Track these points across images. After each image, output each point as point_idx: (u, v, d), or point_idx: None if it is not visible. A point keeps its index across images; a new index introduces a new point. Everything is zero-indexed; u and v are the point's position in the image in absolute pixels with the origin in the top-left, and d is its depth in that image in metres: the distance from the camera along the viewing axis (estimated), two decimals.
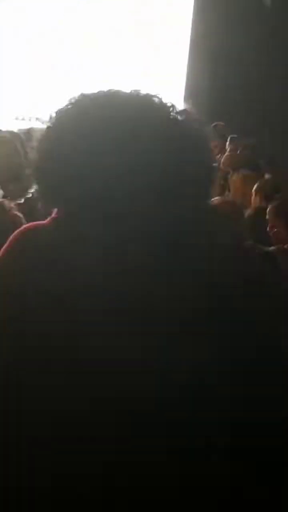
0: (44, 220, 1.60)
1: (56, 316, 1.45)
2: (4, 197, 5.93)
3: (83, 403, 1.42)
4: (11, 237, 1.56)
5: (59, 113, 1.59)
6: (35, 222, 1.60)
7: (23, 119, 12.36)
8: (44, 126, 1.60)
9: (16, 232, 1.58)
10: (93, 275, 1.47)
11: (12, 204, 3.97)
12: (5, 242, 1.57)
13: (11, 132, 7.74)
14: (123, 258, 1.49)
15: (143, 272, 1.49)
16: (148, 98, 1.58)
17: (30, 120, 11.48)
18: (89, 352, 1.43)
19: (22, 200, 5.50)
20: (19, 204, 5.27)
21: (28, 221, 1.80)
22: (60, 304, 1.46)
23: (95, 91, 1.60)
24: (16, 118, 12.55)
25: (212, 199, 2.44)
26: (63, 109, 1.59)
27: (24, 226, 1.60)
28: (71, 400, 1.42)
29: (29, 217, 1.65)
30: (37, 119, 11.38)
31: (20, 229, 1.59)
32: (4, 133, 7.53)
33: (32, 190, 5.31)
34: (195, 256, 1.51)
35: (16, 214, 2.57)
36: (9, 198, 5.76)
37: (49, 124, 1.59)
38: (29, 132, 7.76)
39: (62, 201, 1.55)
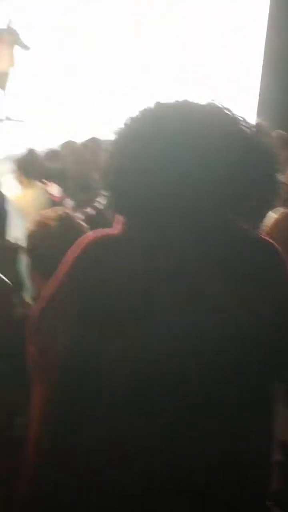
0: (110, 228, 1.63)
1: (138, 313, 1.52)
2: (74, 206, 6.00)
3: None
4: (79, 243, 1.59)
5: (130, 122, 1.60)
6: (103, 229, 1.62)
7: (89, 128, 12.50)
8: (111, 135, 1.62)
9: (84, 238, 1.61)
10: (170, 278, 1.52)
11: (81, 213, 4.01)
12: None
13: (81, 143, 7.84)
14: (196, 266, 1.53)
15: (215, 275, 1.54)
16: (220, 110, 1.59)
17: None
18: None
19: (93, 211, 5.55)
20: (88, 213, 5.32)
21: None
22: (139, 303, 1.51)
23: (167, 101, 1.61)
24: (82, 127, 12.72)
25: (277, 210, 2.45)
26: (134, 119, 1.60)
27: (93, 232, 1.63)
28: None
29: (98, 226, 1.67)
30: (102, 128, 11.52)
31: (88, 235, 1.61)
32: (74, 143, 7.62)
33: (101, 199, 5.35)
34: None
35: (80, 223, 2.59)
36: (79, 207, 5.84)
37: (118, 133, 1.60)
38: (94, 141, 7.82)
39: (133, 208, 1.57)
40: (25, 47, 11.89)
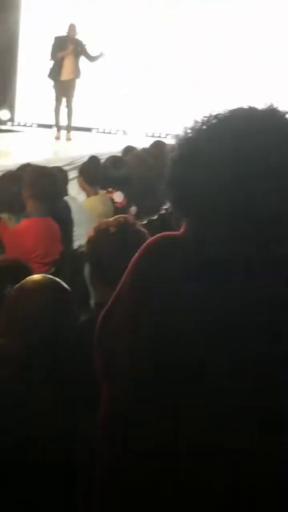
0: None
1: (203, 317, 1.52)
2: (138, 213, 6.03)
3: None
4: (145, 246, 1.59)
5: (197, 128, 1.59)
6: (168, 232, 1.62)
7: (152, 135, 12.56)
8: (175, 141, 1.61)
9: (149, 241, 1.60)
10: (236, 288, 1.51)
11: (144, 220, 4.03)
12: (130, 256, 1.61)
13: (144, 149, 7.88)
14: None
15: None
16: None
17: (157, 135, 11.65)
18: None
19: (156, 216, 5.57)
20: (153, 219, 5.34)
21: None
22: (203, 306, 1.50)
23: (229, 108, 1.58)
24: (146, 135, 12.80)
25: None
26: (199, 125, 1.60)
27: (159, 235, 1.62)
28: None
29: (160, 232, 1.68)
30: (167, 135, 11.56)
31: (154, 238, 1.61)
32: (137, 150, 7.67)
33: (166, 206, 5.36)
34: None
35: (140, 229, 2.61)
36: (143, 213, 5.86)
37: (184, 139, 1.58)
38: (157, 146, 7.84)
39: (201, 214, 1.55)
40: (91, 58, 11.97)
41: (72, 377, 2.21)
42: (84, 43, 11.99)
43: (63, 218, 4.88)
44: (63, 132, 12.15)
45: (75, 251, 4.57)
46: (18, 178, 4.82)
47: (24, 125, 14.24)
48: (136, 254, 1.60)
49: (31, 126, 14.16)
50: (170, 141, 8.36)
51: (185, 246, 1.56)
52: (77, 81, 11.96)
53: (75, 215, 5.16)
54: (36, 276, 2.41)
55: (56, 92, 11.94)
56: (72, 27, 11.97)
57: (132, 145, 8.28)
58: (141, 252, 1.60)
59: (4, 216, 4.56)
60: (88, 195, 5.77)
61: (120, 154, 7.56)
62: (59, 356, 2.21)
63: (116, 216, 2.79)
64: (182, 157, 1.56)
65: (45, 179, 4.49)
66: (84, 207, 5.46)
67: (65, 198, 5.31)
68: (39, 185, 4.41)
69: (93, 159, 6.39)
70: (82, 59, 11.93)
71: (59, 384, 2.17)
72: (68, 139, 11.99)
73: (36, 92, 13.38)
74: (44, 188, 4.42)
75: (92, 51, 12.03)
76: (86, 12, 13.47)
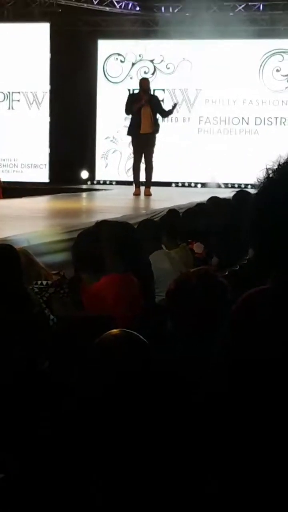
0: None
1: None
2: (219, 264, 5.95)
3: None
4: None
5: (277, 175, 1.56)
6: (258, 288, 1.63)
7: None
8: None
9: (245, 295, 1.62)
10: None
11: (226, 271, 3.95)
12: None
13: (225, 199, 7.83)
14: None
15: None
16: None
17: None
18: None
19: (237, 267, 5.48)
20: (234, 270, 5.25)
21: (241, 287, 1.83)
22: None
23: None
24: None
25: None
26: (280, 172, 1.56)
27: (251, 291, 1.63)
28: None
29: (241, 282, 1.65)
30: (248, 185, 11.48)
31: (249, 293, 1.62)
32: (218, 199, 7.63)
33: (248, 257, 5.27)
34: None
35: (220, 279, 2.56)
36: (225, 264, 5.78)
37: (265, 187, 1.58)
38: (239, 195, 7.77)
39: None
40: (164, 113, 12.03)
41: None
42: (159, 98, 12.09)
43: (144, 273, 4.82)
44: (142, 188, 12.14)
45: (158, 305, 4.51)
46: (95, 235, 4.80)
47: (104, 183, 14.46)
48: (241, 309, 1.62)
49: (111, 183, 14.36)
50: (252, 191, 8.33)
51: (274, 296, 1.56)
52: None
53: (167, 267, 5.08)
54: (115, 331, 2.40)
55: (134, 147, 11.89)
56: (144, 81, 12.09)
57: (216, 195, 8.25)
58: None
59: (84, 276, 4.54)
60: (169, 248, 5.72)
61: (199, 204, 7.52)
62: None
63: (197, 268, 2.74)
64: (267, 206, 1.56)
65: (123, 234, 4.45)
66: (166, 261, 5.40)
67: (157, 252, 5.28)
68: (118, 241, 4.37)
69: (171, 213, 6.37)
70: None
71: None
72: (148, 194, 11.94)
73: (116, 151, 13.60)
74: (122, 244, 4.37)
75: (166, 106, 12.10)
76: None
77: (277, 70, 13.67)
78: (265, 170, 1.57)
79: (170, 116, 12.30)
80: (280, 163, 1.56)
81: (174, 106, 11.99)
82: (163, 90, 13.95)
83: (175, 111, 12.09)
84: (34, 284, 4.13)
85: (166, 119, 12.42)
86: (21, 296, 3.63)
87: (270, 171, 1.57)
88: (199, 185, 13.76)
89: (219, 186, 11.91)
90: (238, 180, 12.88)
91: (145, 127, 11.66)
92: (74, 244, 4.73)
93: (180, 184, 14.01)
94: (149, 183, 11.95)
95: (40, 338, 3.39)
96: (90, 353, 2.36)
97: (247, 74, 13.54)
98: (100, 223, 5.56)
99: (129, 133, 11.86)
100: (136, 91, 12.39)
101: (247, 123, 13.86)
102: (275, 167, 1.57)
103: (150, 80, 12.72)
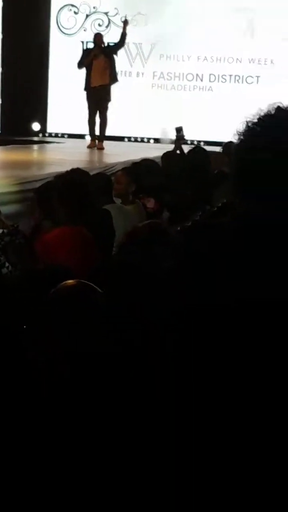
0: None
1: None
2: (171, 219, 5.99)
3: None
4: None
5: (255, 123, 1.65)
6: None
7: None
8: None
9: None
10: None
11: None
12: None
13: (178, 154, 7.85)
14: None
15: None
16: None
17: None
18: None
19: (189, 223, 5.52)
20: (186, 226, 5.29)
21: None
22: None
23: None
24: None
25: None
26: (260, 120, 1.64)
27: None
28: None
29: None
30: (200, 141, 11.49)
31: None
32: (173, 152, 7.64)
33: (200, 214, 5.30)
34: None
35: (170, 233, 2.59)
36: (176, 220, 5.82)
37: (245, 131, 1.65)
38: (195, 153, 7.80)
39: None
40: (119, 44, 11.98)
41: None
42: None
43: (101, 226, 4.79)
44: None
45: (112, 258, 4.53)
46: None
47: (56, 136, 14.30)
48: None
49: (63, 136, 14.21)
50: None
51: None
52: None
53: (120, 222, 5.07)
54: (71, 281, 2.43)
55: (88, 102, 11.81)
56: (98, 36, 12.00)
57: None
58: None
59: (47, 224, 4.53)
60: (124, 203, 5.74)
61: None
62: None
63: (148, 221, 2.77)
64: (245, 143, 1.64)
65: (72, 187, 4.41)
66: (121, 215, 5.40)
67: (108, 206, 5.27)
68: (67, 194, 4.35)
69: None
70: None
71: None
72: (101, 148, 11.88)
73: (68, 103, 13.43)
74: (71, 196, 4.34)
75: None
76: None
77: (236, 28, 13.57)
78: (245, 122, 1.65)
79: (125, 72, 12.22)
80: (261, 116, 1.64)
81: (124, 24, 11.98)
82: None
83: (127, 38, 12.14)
84: None
85: (120, 74, 12.34)
86: None
87: (250, 124, 1.64)
88: (151, 141, 13.71)
89: (172, 142, 11.86)
90: (192, 136, 12.86)
91: (95, 79, 11.57)
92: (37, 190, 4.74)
93: (133, 139, 13.94)
94: (102, 137, 11.90)
95: None
96: (46, 303, 2.38)
97: (203, 31, 13.43)
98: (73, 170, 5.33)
99: (84, 88, 11.77)
100: (91, 45, 12.28)
101: (201, 80, 13.81)
102: (255, 120, 1.64)
103: (104, 33, 12.63)
